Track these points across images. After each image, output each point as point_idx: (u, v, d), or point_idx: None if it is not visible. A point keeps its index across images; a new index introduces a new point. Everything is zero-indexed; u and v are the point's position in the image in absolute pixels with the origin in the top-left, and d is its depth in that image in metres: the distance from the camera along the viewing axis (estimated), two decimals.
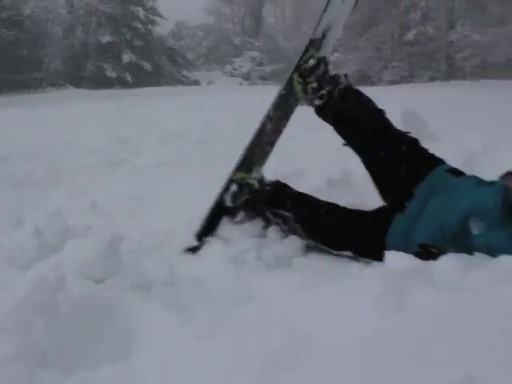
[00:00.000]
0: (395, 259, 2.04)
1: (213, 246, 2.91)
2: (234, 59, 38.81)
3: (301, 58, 3.24)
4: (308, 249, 2.91)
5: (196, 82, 32.81)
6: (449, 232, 2.37)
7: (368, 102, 3.04)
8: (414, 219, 2.53)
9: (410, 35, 24.94)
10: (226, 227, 3.01)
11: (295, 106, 3.25)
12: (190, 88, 25.48)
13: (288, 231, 2.96)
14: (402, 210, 2.60)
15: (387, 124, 2.94)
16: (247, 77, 36.89)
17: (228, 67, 38.28)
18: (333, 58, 29.41)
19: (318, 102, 3.08)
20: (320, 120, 3.12)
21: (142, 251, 2.71)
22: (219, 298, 2.26)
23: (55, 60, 29.28)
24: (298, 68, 3.22)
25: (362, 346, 1.49)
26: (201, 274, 2.46)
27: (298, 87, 3.17)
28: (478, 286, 1.80)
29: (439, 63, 25.55)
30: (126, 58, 29.39)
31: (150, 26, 31.56)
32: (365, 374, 1.31)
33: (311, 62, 3.21)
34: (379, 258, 2.39)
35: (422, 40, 25.10)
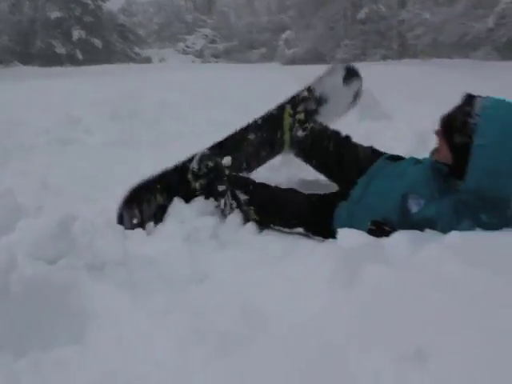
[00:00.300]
0: (347, 236, 2.07)
1: (166, 224, 2.91)
2: (187, 36, 38.40)
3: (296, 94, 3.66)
4: (262, 227, 2.93)
5: (148, 60, 32.37)
6: (391, 214, 2.42)
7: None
8: (357, 202, 2.61)
9: (362, 13, 24.99)
10: (178, 206, 3.01)
11: (277, 130, 3.55)
12: (141, 65, 25.15)
13: (240, 213, 3.01)
14: (345, 199, 2.68)
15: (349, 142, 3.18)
16: (200, 54, 36.56)
17: (180, 44, 37.87)
18: (285, 35, 29.55)
19: (300, 133, 3.38)
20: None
21: (96, 231, 2.68)
22: (173, 276, 2.26)
23: (2, 37, 28.47)
24: (292, 100, 3.61)
25: (315, 323, 1.51)
26: (154, 253, 2.45)
27: (288, 118, 3.53)
28: (429, 262, 1.84)
29: (391, 42, 25.67)
30: (76, 34, 28.76)
31: (99, 2, 30.94)
32: (318, 351, 1.34)
33: (304, 93, 3.65)
34: (331, 236, 2.46)
35: (375, 18, 25.17)
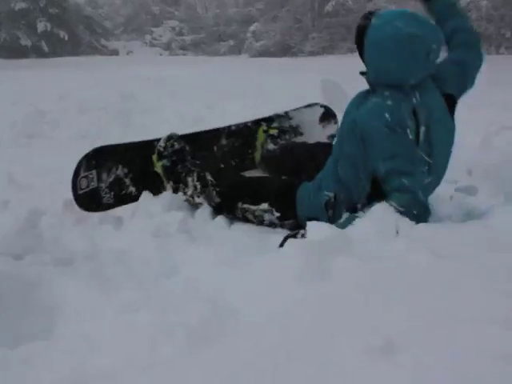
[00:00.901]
0: (316, 230, 2.08)
1: (134, 218, 2.89)
2: (154, 29, 38.10)
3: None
4: (231, 221, 2.93)
5: (115, 52, 32.06)
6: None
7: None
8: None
9: (330, 6, 25.06)
10: (147, 200, 3.00)
11: (249, 146, 3.69)
12: (108, 58, 24.92)
13: (203, 197, 3.02)
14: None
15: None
16: (167, 47, 36.30)
17: (147, 37, 37.53)
18: (253, 27, 29.49)
19: (271, 147, 3.56)
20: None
21: (63, 226, 2.66)
22: (142, 271, 2.24)
23: None
24: (268, 118, 3.76)
25: (284, 317, 1.52)
26: (123, 247, 2.43)
27: (261, 135, 3.67)
28: (398, 254, 1.86)
29: None
30: (41, 26, 28.33)
31: None
32: (287, 345, 1.34)
33: (281, 114, 3.83)
34: (293, 214, 2.73)
35: (342, 11, 25.30)
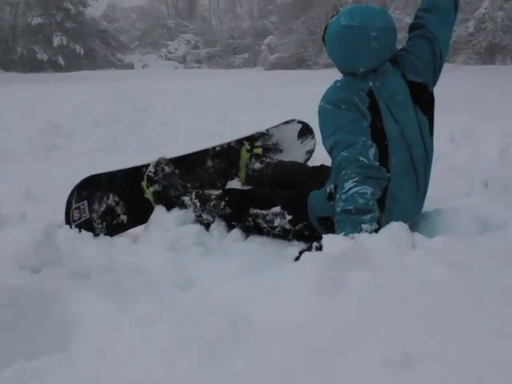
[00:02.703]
0: (332, 242, 2.08)
1: (150, 232, 2.90)
2: (169, 42, 38.37)
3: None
4: (247, 234, 2.94)
5: (130, 66, 32.32)
6: None
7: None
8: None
9: None
10: (160, 214, 3.00)
11: (233, 166, 3.70)
12: (124, 71, 25.10)
13: (206, 212, 3.01)
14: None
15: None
16: (182, 60, 36.54)
17: (163, 50, 37.80)
18: (268, 40, 29.59)
19: (257, 166, 3.60)
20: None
21: (80, 239, 2.67)
22: (159, 284, 2.25)
23: None
24: (250, 137, 3.80)
25: (301, 329, 1.51)
26: (140, 260, 2.45)
27: (245, 154, 3.70)
28: (413, 267, 1.86)
29: None
30: (58, 40, 28.65)
31: (81, 8, 30.82)
32: (303, 358, 1.34)
33: (263, 131, 3.87)
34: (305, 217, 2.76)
35: None
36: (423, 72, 2.66)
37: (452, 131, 4.89)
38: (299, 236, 2.83)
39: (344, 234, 2.26)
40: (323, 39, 2.70)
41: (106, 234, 2.96)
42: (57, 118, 6.73)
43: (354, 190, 2.31)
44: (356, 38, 2.51)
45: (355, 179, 2.32)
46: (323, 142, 2.57)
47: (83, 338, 1.80)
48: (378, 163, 2.42)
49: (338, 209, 2.35)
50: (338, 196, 2.38)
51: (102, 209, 2.99)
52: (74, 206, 2.87)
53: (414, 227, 2.54)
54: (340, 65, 2.66)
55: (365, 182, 2.32)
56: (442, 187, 3.19)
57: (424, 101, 2.66)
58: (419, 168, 2.61)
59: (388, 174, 2.45)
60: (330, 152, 2.51)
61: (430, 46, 2.68)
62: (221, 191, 3.07)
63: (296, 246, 2.71)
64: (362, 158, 2.37)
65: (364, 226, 2.28)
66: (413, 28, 2.78)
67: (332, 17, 2.67)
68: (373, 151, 2.42)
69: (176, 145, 3.53)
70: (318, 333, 1.46)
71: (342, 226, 2.33)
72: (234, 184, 3.62)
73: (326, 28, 2.68)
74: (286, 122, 4.03)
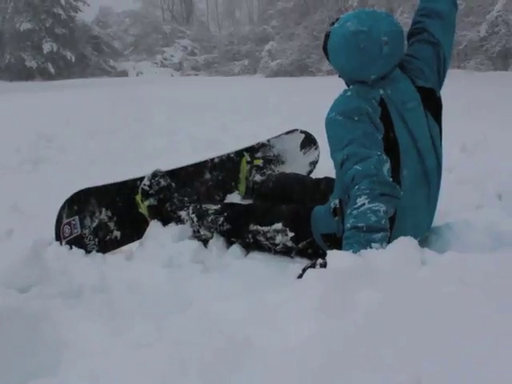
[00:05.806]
0: (337, 259, 2.07)
1: (145, 248, 2.90)
2: (165, 48, 38.50)
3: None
4: (247, 250, 2.93)
5: (124, 73, 32.43)
6: None
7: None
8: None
9: None
10: (156, 229, 3.00)
11: (233, 179, 3.71)
12: (117, 79, 25.18)
13: (203, 228, 3.01)
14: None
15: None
16: (179, 67, 36.67)
17: (158, 57, 37.95)
18: (268, 46, 29.68)
19: (258, 178, 3.62)
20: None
21: (71, 256, 2.66)
22: (154, 304, 2.24)
23: None
24: (250, 148, 3.81)
25: (305, 350, 1.50)
26: (134, 278, 2.44)
27: (245, 166, 3.72)
28: (423, 285, 1.85)
29: None
30: (47, 46, 28.73)
31: (72, 13, 30.91)
32: (305, 381, 1.33)
33: (264, 142, 3.89)
34: (308, 234, 2.76)
35: None
36: (430, 77, 2.67)
37: (464, 140, 4.90)
38: (302, 253, 2.82)
39: (352, 252, 2.24)
40: (324, 49, 2.68)
41: (98, 251, 2.94)
42: (47, 129, 6.74)
43: (367, 206, 2.28)
44: (367, 43, 2.48)
45: (368, 195, 2.30)
46: (332, 155, 2.54)
47: (74, 362, 1.78)
48: (391, 179, 2.40)
49: (348, 225, 2.32)
50: (348, 211, 2.35)
51: (94, 224, 2.98)
52: (65, 221, 2.85)
53: (423, 242, 2.54)
54: (349, 73, 2.63)
55: (379, 198, 2.29)
56: (453, 200, 3.19)
57: (433, 107, 2.66)
58: (432, 179, 2.60)
59: (401, 191, 2.43)
60: (340, 165, 2.46)
61: (435, 50, 2.69)
62: (219, 205, 3.05)
63: (299, 263, 2.70)
64: (376, 173, 2.34)
65: (374, 245, 2.24)
66: (413, 33, 2.80)
67: (332, 24, 2.65)
68: (387, 166, 2.39)
69: (173, 155, 3.53)
70: (322, 355, 1.45)
71: (350, 243, 2.30)
72: (234, 197, 3.61)
73: (326, 36, 2.66)
74: (288, 132, 4.03)
